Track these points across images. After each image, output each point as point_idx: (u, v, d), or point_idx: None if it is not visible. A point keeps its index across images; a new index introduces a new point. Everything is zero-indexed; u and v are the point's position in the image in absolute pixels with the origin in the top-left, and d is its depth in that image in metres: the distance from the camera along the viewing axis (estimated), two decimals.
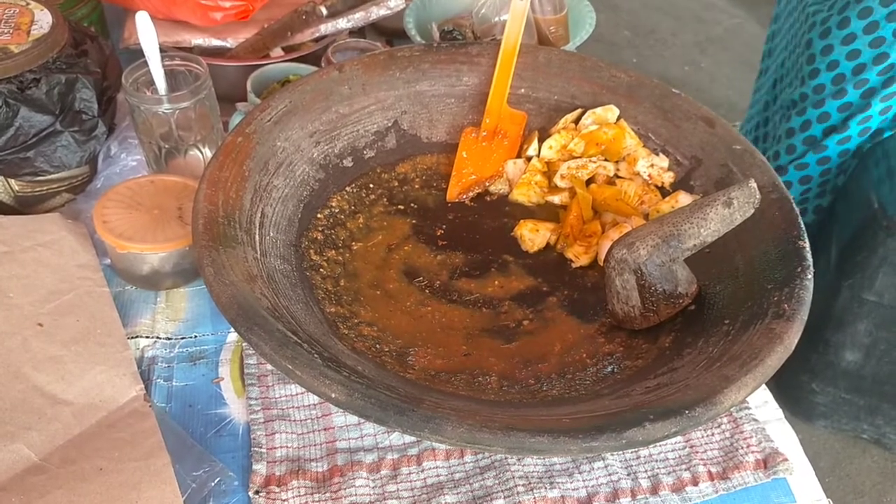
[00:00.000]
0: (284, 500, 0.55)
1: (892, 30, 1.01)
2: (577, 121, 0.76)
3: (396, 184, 0.76)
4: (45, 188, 0.74)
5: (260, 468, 0.56)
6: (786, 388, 1.28)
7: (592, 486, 0.56)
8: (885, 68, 1.04)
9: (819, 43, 1.09)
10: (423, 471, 0.57)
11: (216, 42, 0.90)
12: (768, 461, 0.58)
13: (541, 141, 0.75)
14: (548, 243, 0.71)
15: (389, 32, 1.05)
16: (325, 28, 0.90)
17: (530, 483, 0.56)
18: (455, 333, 0.63)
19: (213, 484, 0.55)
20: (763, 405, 0.62)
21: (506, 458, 0.58)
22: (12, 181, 0.72)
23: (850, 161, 1.16)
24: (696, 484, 0.57)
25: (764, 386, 0.60)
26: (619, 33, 2.57)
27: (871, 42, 1.03)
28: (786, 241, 0.60)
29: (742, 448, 0.59)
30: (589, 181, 0.74)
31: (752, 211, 0.58)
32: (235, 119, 0.79)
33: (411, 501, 0.55)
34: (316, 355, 0.51)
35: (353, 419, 0.60)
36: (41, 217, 0.72)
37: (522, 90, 0.78)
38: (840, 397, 1.31)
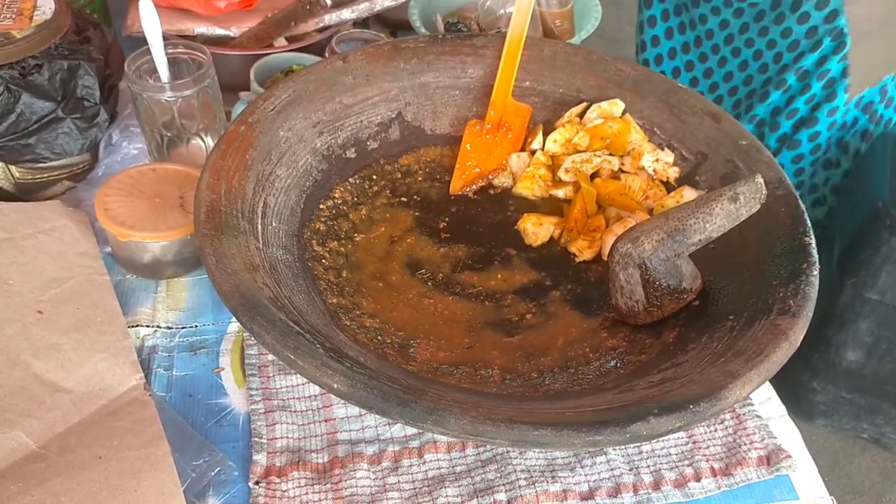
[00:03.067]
0: (285, 491, 0.54)
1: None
2: (581, 114, 0.75)
3: (399, 176, 0.75)
4: (45, 175, 0.74)
5: (260, 458, 0.56)
6: (786, 386, 1.28)
7: (594, 481, 0.56)
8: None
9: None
10: (424, 463, 0.57)
11: (219, 31, 0.89)
12: (771, 458, 0.57)
13: (545, 134, 0.75)
14: (551, 237, 0.71)
15: (393, 24, 1.05)
16: (329, 18, 0.89)
17: (532, 477, 0.56)
18: (457, 326, 0.63)
19: (212, 474, 0.55)
20: (766, 402, 0.62)
21: (507, 452, 0.57)
22: (13, 168, 0.72)
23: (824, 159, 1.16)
24: (698, 480, 0.56)
25: (767, 382, 0.60)
26: (622, 29, 2.57)
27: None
28: (791, 237, 0.60)
29: (745, 444, 0.58)
30: (593, 175, 0.73)
31: (758, 206, 0.58)
32: (238, 108, 0.78)
33: (412, 494, 0.55)
34: (318, 346, 0.50)
35: (355, 411, 0.60)
36: (42, 204, 0.72)
37: (527, 83, 0.77)
38: (841, 396, 1.30)
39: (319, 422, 0.59)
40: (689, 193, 0.69)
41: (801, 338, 0.53)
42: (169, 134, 0.74)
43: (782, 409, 0.62)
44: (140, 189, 0.69)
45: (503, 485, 0.55)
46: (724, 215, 0.57)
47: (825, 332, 1.23)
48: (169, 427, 0.56)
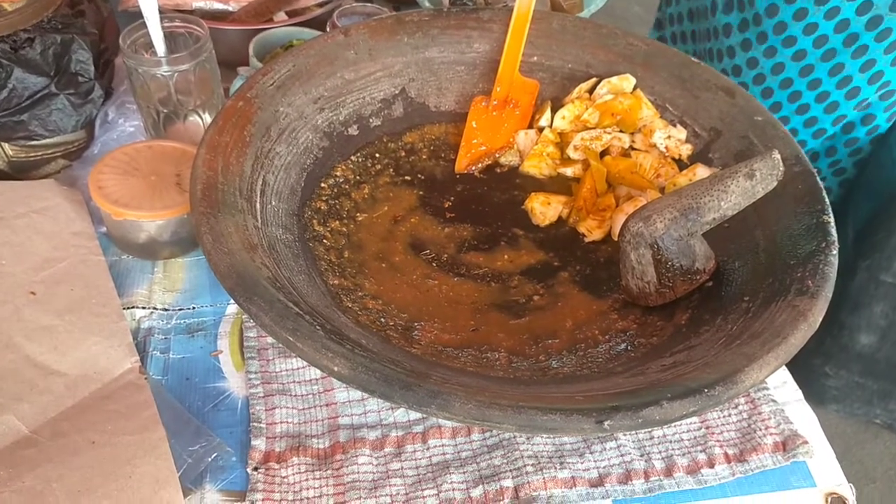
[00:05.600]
0: (284, 478, 0.53)
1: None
2: (591, 90, 0.73)
3: (403, 154, 0.73)
4: (39, 153, 0.72)
5: (259, 444, 0.54)
6: (797, 370, 1.25)
7: (604, 467, 0.54)
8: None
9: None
10: (428, 449, 0.55)
11: (218, 5, 0.87)
12: (787, 444, 0.56)
13: (553, 111, 0.73)
14: (559, 217, 0.69)
15: None
16: None
17: (540, 463, 0.54)
18: (462, 308, 0.61)
19: (210, 459, 0.53)
20: (782, 385, 0.60)
21: (514, 437, 0.56)
22: (6, 145, 0.70)
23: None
24: (711, 466, 0.54)
25: (783, 366, 0.58)
26: (630, 9, 2.53)
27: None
28: (809, 215, 0.58)
29: (760, 430, 0.56)
30: (603, 153, 0.71)
31: (775, 183, 0.56)
32: (237, 84, 0.76)
33: (416, 480, 0.53)
34: (318, 327, 0.48)
35: (356, 395, 0.58)
36: (35, 183, 0.70)
37: (535, 58, 0.75)
38: (853, 381, 1.28)
39: (320, 406, 0.58)
40: (701, 171, 0.66)
41: (820, 319, 0.51)
42: (165, 110, 0.72)
43: (798, 393, 0.60)
44: (136, 167, 0.67)
45: (510, 471, 0.53)
46: (739, 193, 0.55)
47: (838, 315, 1.21)
48: (165, 411, 0.54)
